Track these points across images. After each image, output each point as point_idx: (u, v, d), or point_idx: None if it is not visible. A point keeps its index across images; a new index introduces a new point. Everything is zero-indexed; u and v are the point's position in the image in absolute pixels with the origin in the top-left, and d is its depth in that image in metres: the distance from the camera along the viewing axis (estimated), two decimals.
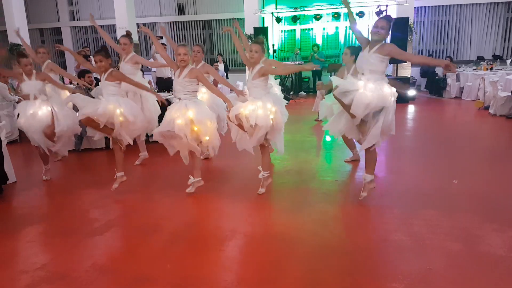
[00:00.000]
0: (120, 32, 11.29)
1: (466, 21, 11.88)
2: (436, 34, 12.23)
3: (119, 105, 3.72)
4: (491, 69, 9.74)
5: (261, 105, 3.46)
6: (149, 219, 3.40)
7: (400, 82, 8.97)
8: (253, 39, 11.21)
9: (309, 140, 6.17)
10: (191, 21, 14.00)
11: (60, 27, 15.29)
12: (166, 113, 3.63)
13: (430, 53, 11.86)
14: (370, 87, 3.12)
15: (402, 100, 8.29)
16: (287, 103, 3.84)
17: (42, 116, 4.13)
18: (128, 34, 4.81)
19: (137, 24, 12.06)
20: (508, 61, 10.25)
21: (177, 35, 14.30)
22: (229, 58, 13.96)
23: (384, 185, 3.48)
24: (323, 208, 3.52)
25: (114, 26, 12.50)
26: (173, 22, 14.12)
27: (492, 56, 11.38)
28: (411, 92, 9.53)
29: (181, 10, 14.13)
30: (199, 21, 13.96)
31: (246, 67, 3.73)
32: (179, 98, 3.62)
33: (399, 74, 10.48)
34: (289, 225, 3.25)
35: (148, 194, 3.96)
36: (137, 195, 3.93)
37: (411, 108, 8.87)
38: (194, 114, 3.51)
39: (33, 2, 14.90)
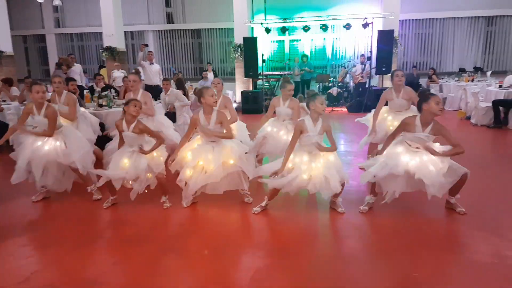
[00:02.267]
0: (106, 40, 11.23)
1: (448, 34, 12.29)
2: (420, 46, 12.59)
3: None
4: (472, 80, 10.04)
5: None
6: (139, 230, 3.33)
7: None
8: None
9: None
10: (180, 29, 14.00)
11: (45, 34, 15.05)
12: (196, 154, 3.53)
13: (414, 64, 12.17)
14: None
15: None
16: None
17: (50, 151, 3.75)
18: (136, 72, 4.73)
19: (125, 32, 12.03)
20: (489, 73, 10.58)
21: (165, 43, 14.27)
22: (218, 67, 14.00)
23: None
24: (315, 216, 3.53)
25: (100, 33, 12.39)
26: (161, 30, 14.09)
27: (474, 68, 11.74)
28: None
29: (169, 18, 14.13)
30: (188, 30, 13.96)
31: None
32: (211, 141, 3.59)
33: (384, 85, 10.69)
34: (281, 234, 3.24)
35: (137, 204, 3.88)
36: (126, 206, 3.84)
37: None
38: (232, 149, 3.54)
39: (17, 8, 14.64)
